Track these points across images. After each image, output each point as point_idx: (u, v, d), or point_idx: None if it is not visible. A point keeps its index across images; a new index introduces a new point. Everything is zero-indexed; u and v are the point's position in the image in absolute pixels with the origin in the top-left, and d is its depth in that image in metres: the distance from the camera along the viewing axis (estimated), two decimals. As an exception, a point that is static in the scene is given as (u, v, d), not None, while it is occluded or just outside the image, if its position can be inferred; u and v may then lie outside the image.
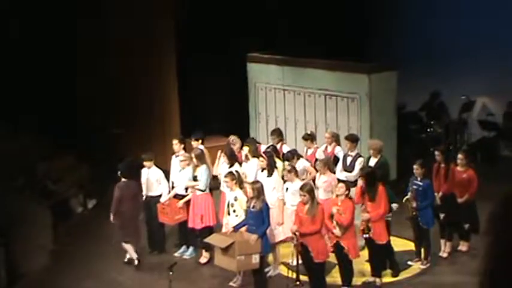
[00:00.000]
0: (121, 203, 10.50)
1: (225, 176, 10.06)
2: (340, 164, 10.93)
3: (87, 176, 13.19)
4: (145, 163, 11.06)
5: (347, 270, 9.59)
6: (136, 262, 10.71)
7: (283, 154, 11.30)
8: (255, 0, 15.29)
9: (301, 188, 9.39)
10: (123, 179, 10.59)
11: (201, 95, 14.95)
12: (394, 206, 10.21)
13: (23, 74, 13.44)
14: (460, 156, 10.72)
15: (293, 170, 10.22)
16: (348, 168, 10.78)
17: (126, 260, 10.90)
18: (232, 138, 11.57)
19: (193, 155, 10.75)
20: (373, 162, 10.67)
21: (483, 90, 15.19)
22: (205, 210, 10.64)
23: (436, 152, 10.76)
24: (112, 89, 14.70)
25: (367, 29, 15.84)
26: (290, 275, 9.87)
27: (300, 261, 9.52)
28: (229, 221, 9.88)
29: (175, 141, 11.40)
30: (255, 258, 9.35)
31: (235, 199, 9.82)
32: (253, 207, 9.39)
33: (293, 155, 10.81)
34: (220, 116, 14.94)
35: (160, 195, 11.05)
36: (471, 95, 15.14)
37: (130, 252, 10.76)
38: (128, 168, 10.79)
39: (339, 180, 10.09)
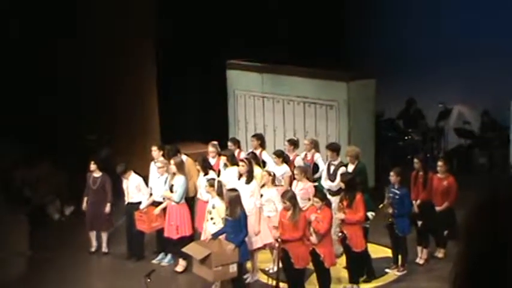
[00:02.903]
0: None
1: (207, 181, 10.10)
2: (324, 173, 10.96)
3: (65, 183, 13.10)
4: (122, 176, 11.04)
5: (324, 278, 9.62)
6: (92, 249, 11.39)
7: (263, 161, 11.32)
8: (236, 7, 15.31)
9: (283, 195, 9.44)
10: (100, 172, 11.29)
11: (181, 101, 14.92)
12: (370, 214, 10.24)
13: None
14: (439, 163, 10.78)
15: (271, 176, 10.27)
16: (331, 177, 10.82)
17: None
18: (211, 147, 11.51)
19: (172, 162, 10.70)
20: (350, 168, 10.72)
21: (460, 98, 15.34)
22: (180, 221, 10.56)
23: (415, 160, 10.83)
24: (91, 95, 14.61)
25: (344, 37, 15.92)
26: (270, 282, 9.88)
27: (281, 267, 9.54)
28: (208, 228, 9.88)
29: (154, 148, 11.36)
30: (232, 268, 9.34)
31: (213, 207, 9.82)
32: (231, 215, 9.40)
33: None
34: (199, 123, 14.93)
35: (140, 203, 11.02)
36: (448, 103, 15.28)
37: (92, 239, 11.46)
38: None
39: (316, 189, 10.14)
